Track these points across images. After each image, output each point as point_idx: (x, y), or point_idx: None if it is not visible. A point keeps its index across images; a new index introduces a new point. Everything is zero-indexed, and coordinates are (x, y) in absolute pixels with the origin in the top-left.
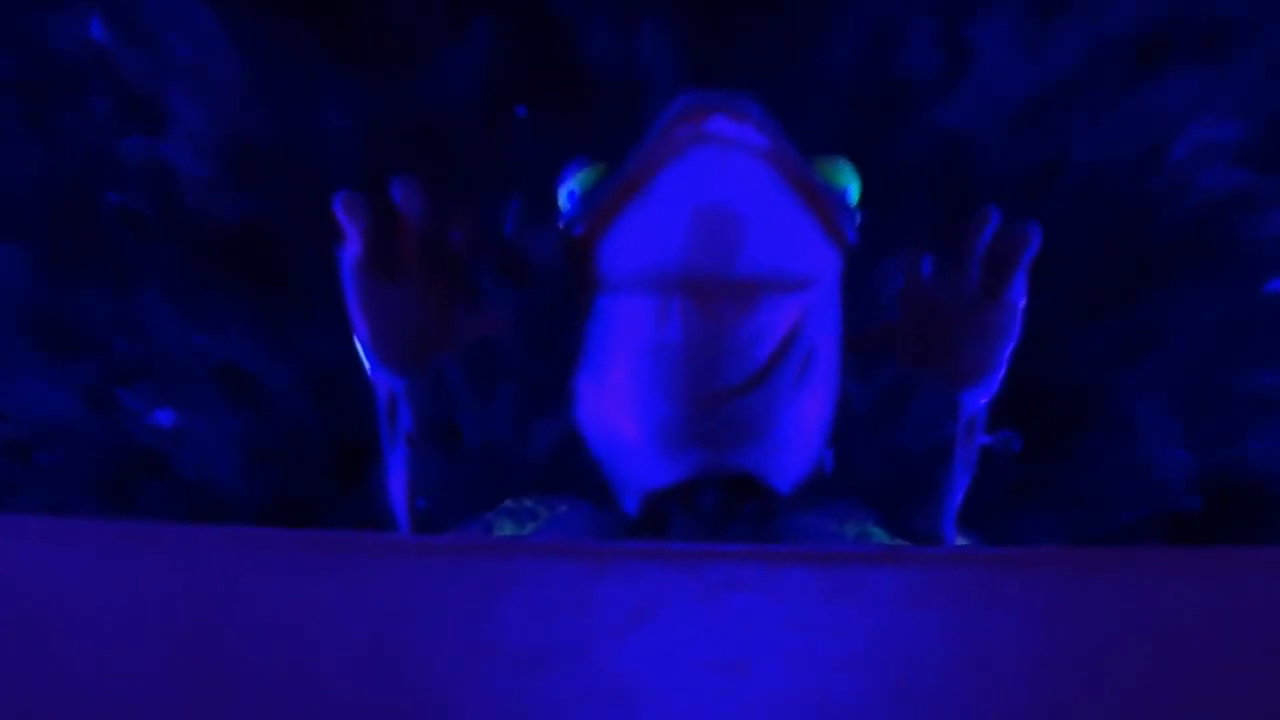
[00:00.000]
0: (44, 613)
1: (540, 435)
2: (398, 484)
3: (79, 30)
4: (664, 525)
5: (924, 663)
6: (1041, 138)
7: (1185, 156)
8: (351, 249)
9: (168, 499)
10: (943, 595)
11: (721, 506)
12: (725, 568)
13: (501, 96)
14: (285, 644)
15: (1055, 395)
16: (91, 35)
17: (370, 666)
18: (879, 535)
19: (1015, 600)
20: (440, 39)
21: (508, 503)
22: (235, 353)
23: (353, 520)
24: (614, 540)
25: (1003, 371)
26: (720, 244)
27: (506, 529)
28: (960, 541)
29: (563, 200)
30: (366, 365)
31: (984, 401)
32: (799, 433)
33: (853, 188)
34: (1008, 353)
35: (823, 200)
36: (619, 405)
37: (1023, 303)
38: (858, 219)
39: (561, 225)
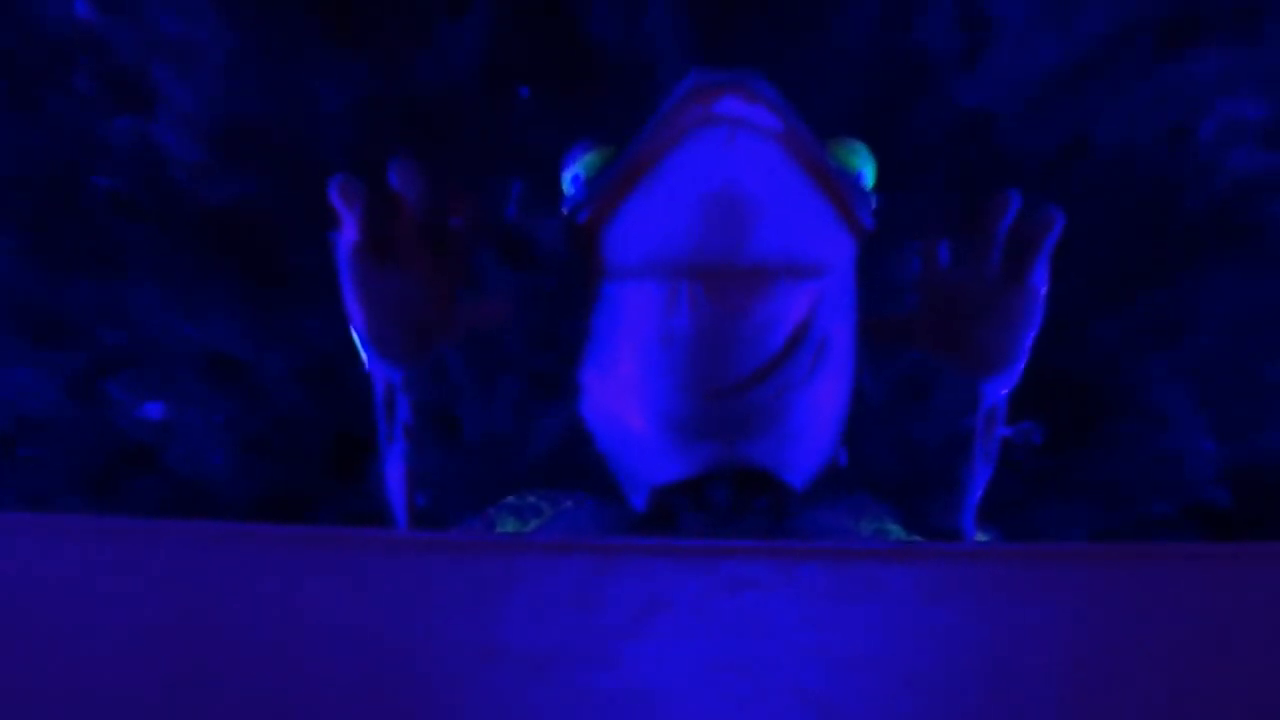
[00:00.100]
0: (29, 613)
1: (544, 428)
2: (396, 478)
3: (63, 7)
4: (673, 521)
5: (943, 664)
6: (1065, 117)
7: (1213, 136)
8: (347, 234)
9: (157, 494)
10: (962, 593)
11: (732, 502)
12: (736, 565)
13: (503, 76)
14: (278, 646)
15: (1078, 385)
16: (76, 13)
17: (368, 668)
18: (896, 531)
19: (1037, 598)
20: (440, 15)
21: (510, 498)
22: (227, 342)
23: (349, 516)
24: (621, 537)
25: (1024, 361)
26: (730, 229)
27: (509, 526)
28: (980, 537)
29: (567, 184)
30: (363, 355)
31: (1005, 392)
32: (812, 425)
33: (868, 170)
34: (1029, 341)
35: (837, 183)
36: (625, 397)
37: (1045, 289)
38: (873, 203)
39: (565, 210)
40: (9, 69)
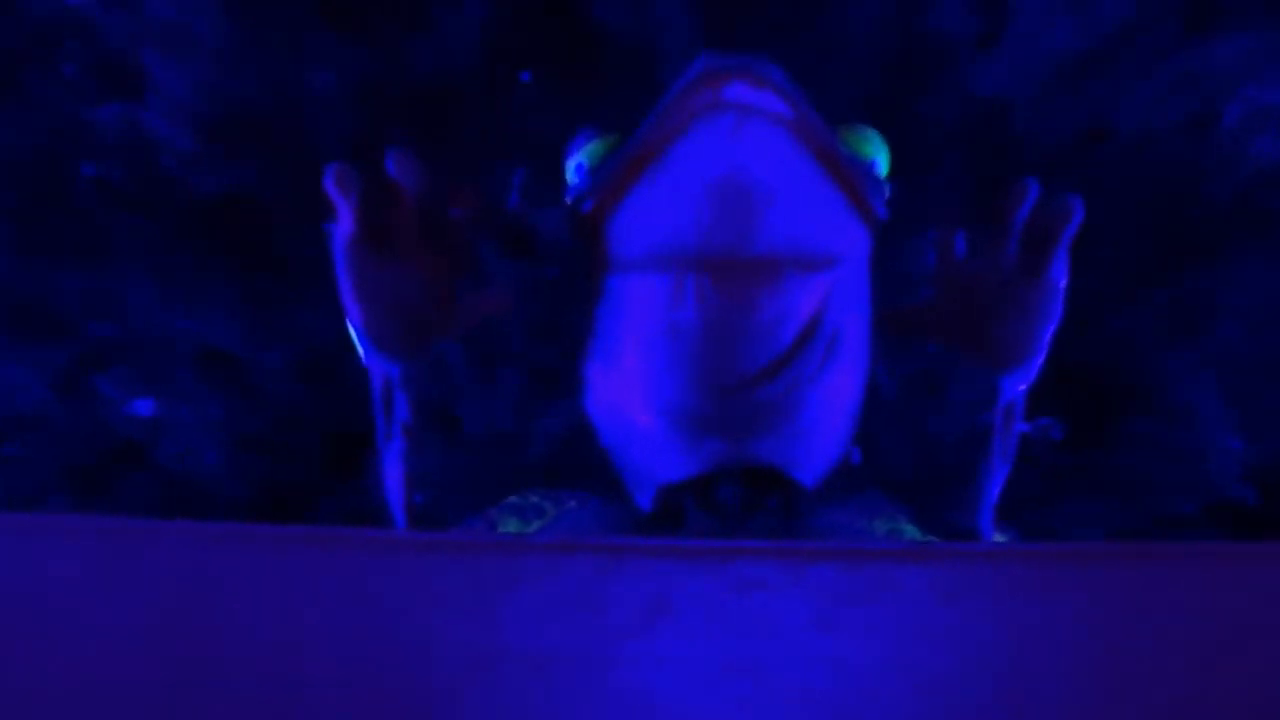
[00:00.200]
0: (20, 615)
1: (546, 425)
2: (394, 477)
3: None
4: (680, 520)
5: (959, 668)
6: (1084, 103)
7: (1237, 123)
8: (344, 225)
9: (149, 492)
10: (979, 595)
11: (741, 500)
12: (745, 565)
13: (505, 61)
14: (277, 647)
15: (1098, 380)
16: None
17: (368, 670)
18: (910, 531)
19: (1056, 599)
20: None
21: (512, 498)
22: (220, 336)
23: (346, 515)
24: (626, 537)
25: (1043, 355)
26: (739, 219)
27: (511, 525)
28: (997, 537)
29: (570, 173)
30: (360, 350)
31: (1023, 387)
32: (824, 421)
33: (881, 158)
34: (1048, 335)
35: (849, 172)
36: (631, 393)
37: (1064, 281)
38: (887, 192)
39: (569, 200)
40: None
